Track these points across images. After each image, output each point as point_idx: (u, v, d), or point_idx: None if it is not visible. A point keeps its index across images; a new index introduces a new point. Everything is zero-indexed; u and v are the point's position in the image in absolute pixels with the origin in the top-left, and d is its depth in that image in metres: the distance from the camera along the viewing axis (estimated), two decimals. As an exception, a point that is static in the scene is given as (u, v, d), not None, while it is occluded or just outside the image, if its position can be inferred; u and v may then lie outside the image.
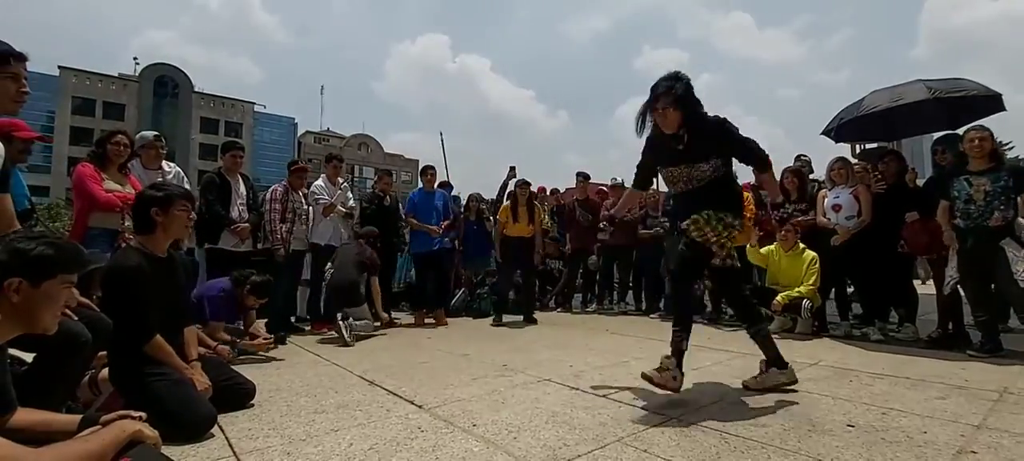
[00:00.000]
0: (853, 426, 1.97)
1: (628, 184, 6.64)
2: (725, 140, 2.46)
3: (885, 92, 4.71)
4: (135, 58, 63.01)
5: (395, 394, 2.51)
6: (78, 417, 1.39)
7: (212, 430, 1.94)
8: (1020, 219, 3.44)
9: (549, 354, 3.57)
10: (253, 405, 2.32)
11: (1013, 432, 1.88)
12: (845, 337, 4.19)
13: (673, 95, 2.32)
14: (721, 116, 2.46)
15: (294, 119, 62.03)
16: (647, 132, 2.55)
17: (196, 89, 51.98)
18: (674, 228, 2.75)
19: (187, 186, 3.84)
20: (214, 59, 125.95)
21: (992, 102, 4.46)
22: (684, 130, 2.39)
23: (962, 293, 3.66)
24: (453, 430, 1.97)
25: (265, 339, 3.47)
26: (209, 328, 3.24)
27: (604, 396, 2.44)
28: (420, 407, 2.28)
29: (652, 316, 5.85)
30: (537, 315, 5.88)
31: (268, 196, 4.72)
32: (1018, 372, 2.85)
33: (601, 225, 5.94)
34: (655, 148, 2.59)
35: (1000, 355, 3.27)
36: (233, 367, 2.58)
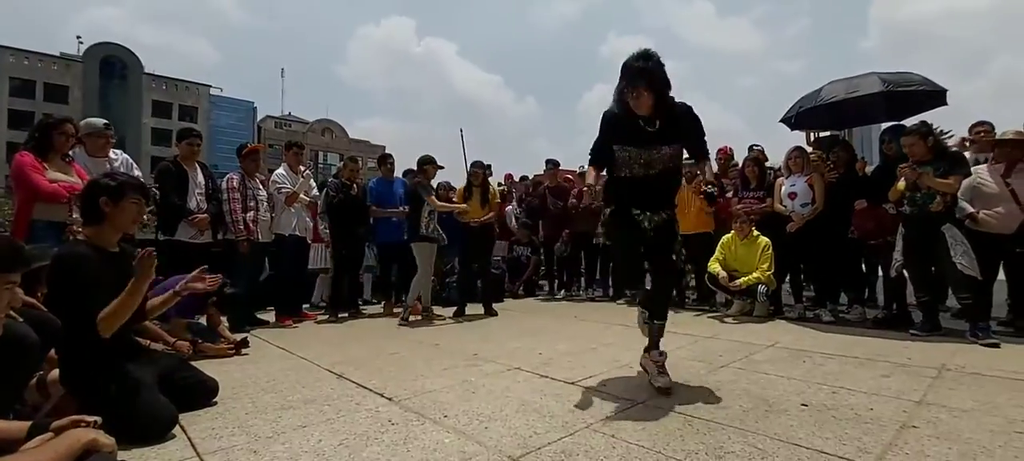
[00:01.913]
0: (806, 405, 2.08)
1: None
2: (692, 127, 2.41)
3: (842, 83, 4.92)
4: (78, 37, 58.55)
5: (364, 387, 2.49)
6: (26, 424, 1.32)
7: (173, 431, 1.88)
8: (962, 203, 3.67)
9: (519, 342, 3.61)
10: (216, 403, 2.25)
11: (950, 407, 2.03)
12: (799, 319, 4.40)
13: (647, 76, 2.23)
14: (687, 103, 2.40)
15: (253, 103, 59.44)
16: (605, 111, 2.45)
17: (147, 71, 49.18)
18: (619, 212, 2.50)
19: (137, 173, 3.67)
20: (166, 39, 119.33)
21: (937, 97, 4.71)
22: (656, 112, 2.31)
23: (906, 275, 3.88)
24: (424, 422, 1.97)
25: (228, 344, 3.37)
26: (170, 325, 3.12)
27: (573, 383, 2.48)
28: (390, 399, 2.27)
29: (619, 302, 5.97)
30: (506, 302, 5.92)
31: (225, 186, 4.56)
32: (954, 350, 3.06)
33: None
34: (615, 127, 2.43)
35: (939, 334, 3.50)
36: (194, 363, 2.50)
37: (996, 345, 3.13)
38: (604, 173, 2.58)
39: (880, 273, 4.75)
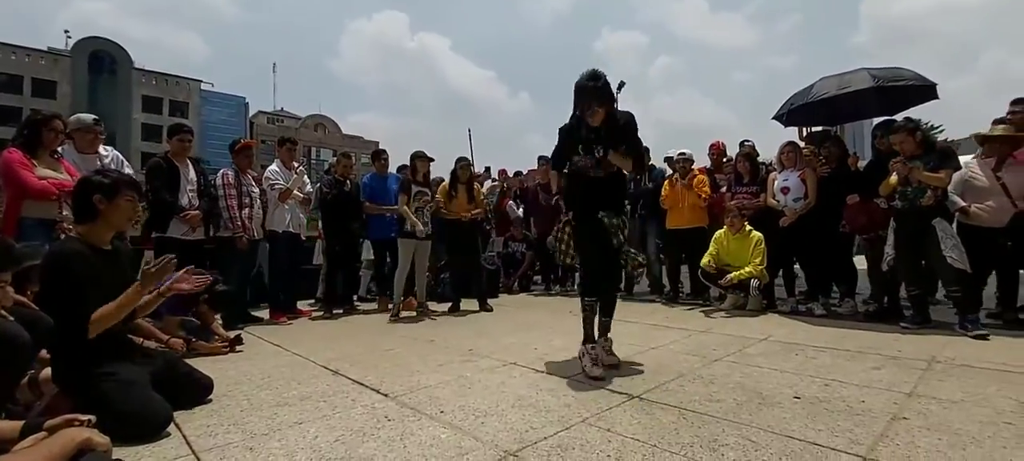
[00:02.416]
0: (799, 398, 2.10)
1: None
2: (630, 131, 2.73)
3: (833, 79, 4.95)
4: (66, 31, 57.61)
5: (360, 383, 2.49)
6: (19, 424, 1.31)
7: (168, 429, 1.87)
8: (953, 197, 3.70)
9: (514, 338, 3.62)
10: (211, 400, 2.24)
11: (940, 398, 2.06)
12: (791, 313, 4.44)
13: (599, 94, 2.58)
14: (629, 111, 2.75)
15: (244, 98, 59.25)
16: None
17: (136, 66, 48.57)
18: (578, 214, 2.88)
19: (128, 170, 3.63)
20: (156, 34, 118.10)
21: (927, 91, 4.75)
22: (605, 123, 2.64)
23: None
24: (420, 417, 1.98)
25: (221, 342, 3.36)
26: (163, 323, 3.10)
27: (568, 378, 2.49)
28: (386, 395, 2.28)
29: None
30: (501, 298, 5.91)
31: (220, 182, 4.51)
32: (944, 342, 3.10)
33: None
34: (574, 138, 2.77)
35: (929, 327, 3.54)
36: (189, 361, 2.49)
37: (985, 337, 3.17)
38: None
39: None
